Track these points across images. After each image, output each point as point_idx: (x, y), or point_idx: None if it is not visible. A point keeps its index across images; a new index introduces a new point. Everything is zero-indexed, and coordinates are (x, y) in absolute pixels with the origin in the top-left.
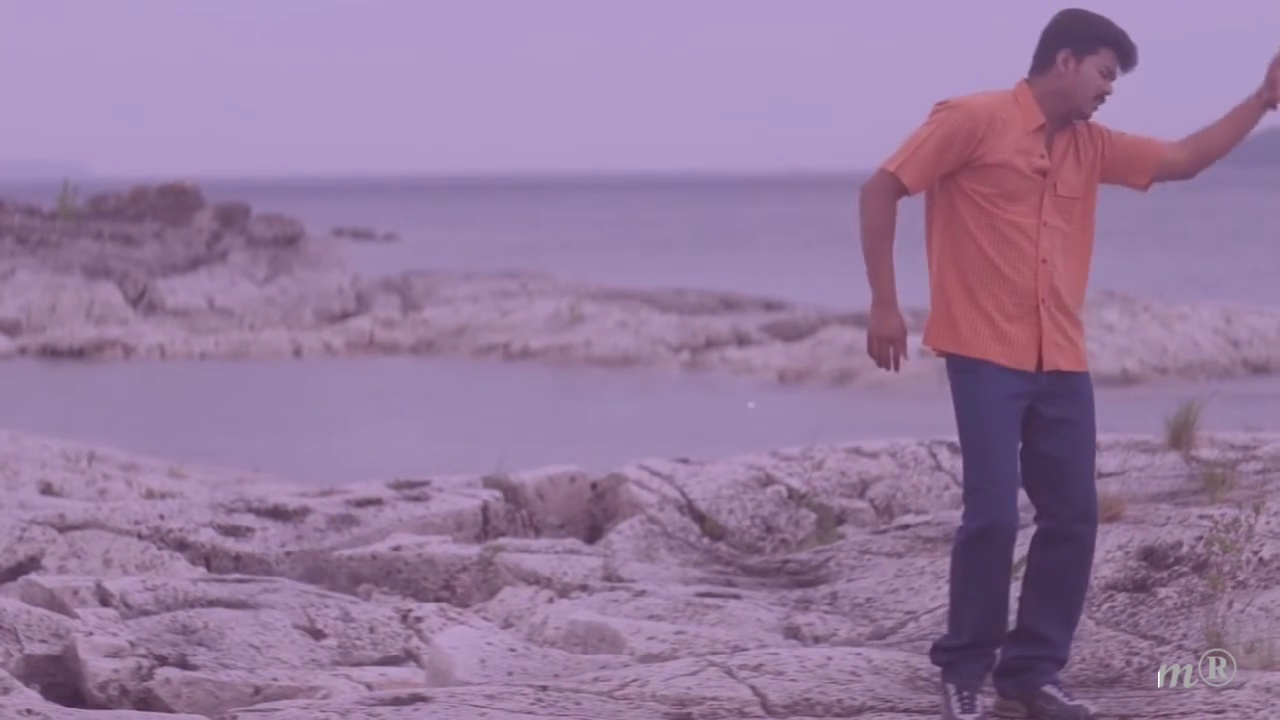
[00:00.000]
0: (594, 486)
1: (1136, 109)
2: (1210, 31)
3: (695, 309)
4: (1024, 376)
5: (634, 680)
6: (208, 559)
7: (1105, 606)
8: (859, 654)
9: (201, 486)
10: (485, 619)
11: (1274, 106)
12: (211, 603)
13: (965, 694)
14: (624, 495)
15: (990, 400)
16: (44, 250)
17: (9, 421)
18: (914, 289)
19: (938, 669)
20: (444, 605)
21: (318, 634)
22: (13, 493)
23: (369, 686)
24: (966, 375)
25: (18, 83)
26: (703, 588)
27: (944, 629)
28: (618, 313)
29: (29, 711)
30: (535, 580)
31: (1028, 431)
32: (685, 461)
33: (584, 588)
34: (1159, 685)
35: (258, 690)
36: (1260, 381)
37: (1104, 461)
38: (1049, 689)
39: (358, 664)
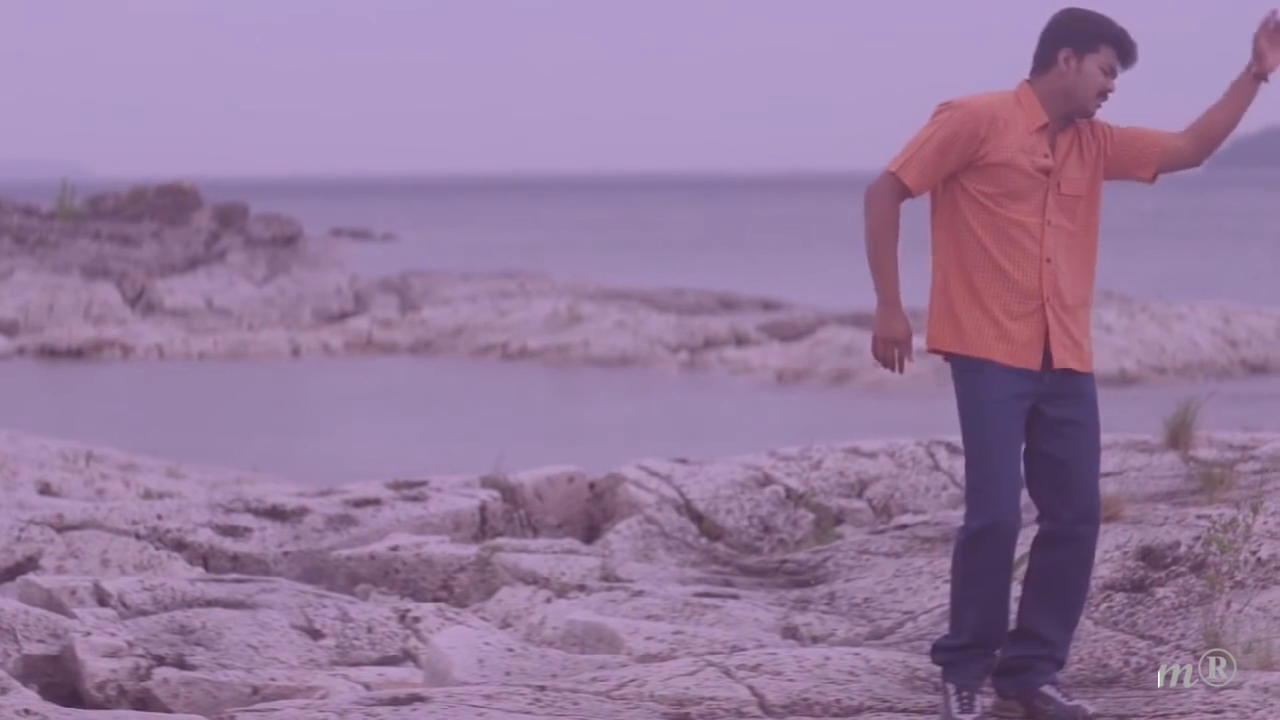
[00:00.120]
0: (592, 486)
1: (1139, 108)
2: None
3: (693, 309)
4: (1028, 376)
5: (632, 680)
6: (206, 559)
7: (1103, 606)
8: (857, 654)
9: (199, 486)
10: (483, 619)
11: (1265, 79)
12: (209, 603)
13: (965, 694)
14: (622, 495)
15: (993, 400)
16: (42, 250)
17: (7, 421)
18: (917, 291)
19: (936, 669)
20: (442, 605)
21: (316, 634)
22: (11, 493)
23: (367, 686)
24: (970, 375)
25: (17, 83)
26: (701, 588)
27: (942, 629)
28: (616, 313)
29: (27, 711)
30: (533, 580)
31: (1031, 432)
32: (683, 461)
33: (582, 588)
34: (1158, 685)
35: (256, 690)
36: (1258, 381)
37: (1102, 461)
38: (1047, 689)
39: (356, 664)
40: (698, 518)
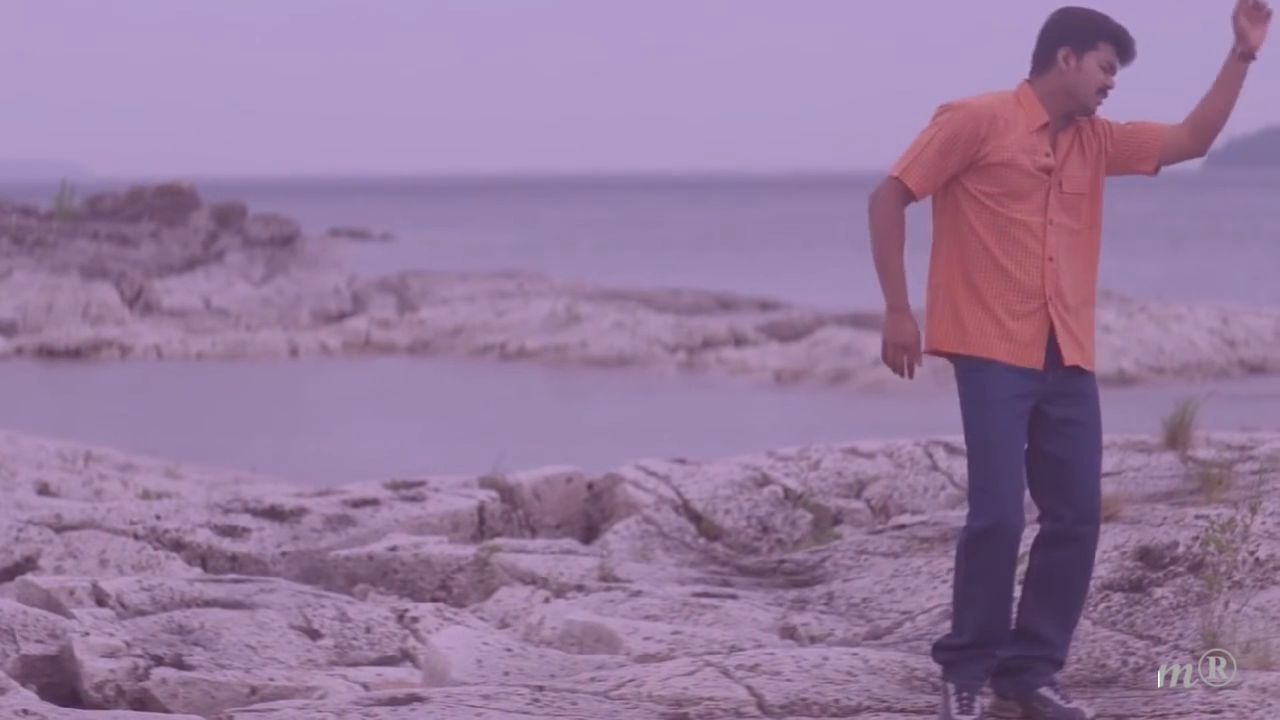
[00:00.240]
0: (590, 487)
1: (1140, 109)
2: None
3: (692, 309)
4: (1030, 376)
5: (630, 680)
6: (204, 559)
7: (1101, 606)
8: (855, 654)
9: (198, 487)
10: (481, 619)
11: (1253, 57)
12: (208, 603)
13: (964, 694)
14: (620, 495)
15: (996, 399)
16: (40, 250)
17: (6, 421)
18: (921, 292)
19: (934, 669)
20: (440, 605)
21: (314, 634)
22: (9, 493)
23: (365, 686)
24: (973, 375)
25: (16, 83)
26: (699, 588)
27: (940, 629)
28: (614, 313)
29: (25, 712)
30: (531, 580)
31: (1033, 433)
32: (681, 462)
33: (580, 588)
34: (1157, 685)
35: (254, 690)
36: (1257, 382)
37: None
38: (1045, 691)
39: (354, 664)
40: (696, 518)
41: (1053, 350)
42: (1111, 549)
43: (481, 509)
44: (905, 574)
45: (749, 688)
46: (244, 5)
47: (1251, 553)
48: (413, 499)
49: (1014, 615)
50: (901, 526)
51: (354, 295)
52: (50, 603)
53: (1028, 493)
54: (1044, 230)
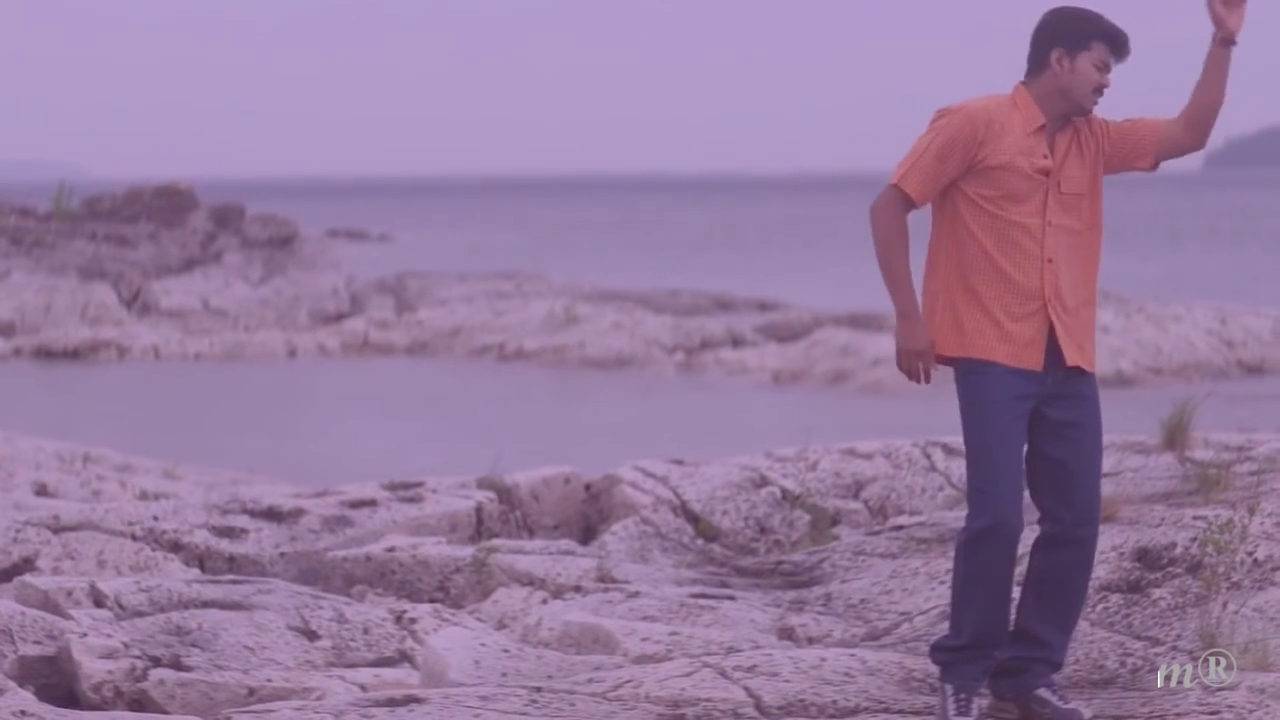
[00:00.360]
0: (588, 488)
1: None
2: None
3: (690, 310)
4: (1030, 378)
5: (628, 681)
6: (202, 560)
7: (1099, 607)
8: (853, 655)
9: (196, 488)
10: (479, 620)
11: (1233, 42)
12: (206, 604)
13: (962, 696)
14: (618, 496)
15: (995, 401)
16: (39, 251)
17: (4, 422)
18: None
19: (932, 670)
20: (438, 606)
21: (312, 635)
22: (7, 494)
23: (363, 688)
24: (972, 377)
25: (14, 84)
26: (697, 589)
27: (938, 630)
28: (612, 314)
29: (23, 713)
30: (529, 581)
31: (1033, 435)
32: (679, 462)
33: (578, 589)
34: (1158, 686)
35: (252, 691)
36: (1255, 382)
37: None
38: (1043, 692)
39: (352, 665)
40: (694, 519)
41: (1052, 352)
42: (1109, 550)
43: (479, 510)
44: (903, 575)
45: (747, 689)
46: (243, 5)
47: (1250, 554)
48: (410, 500)
49: (1012, 616)
50: (899, 527)
51: (352, 296)
52: (48, 604)
53: (1027, 494)
54: (1043, 232)
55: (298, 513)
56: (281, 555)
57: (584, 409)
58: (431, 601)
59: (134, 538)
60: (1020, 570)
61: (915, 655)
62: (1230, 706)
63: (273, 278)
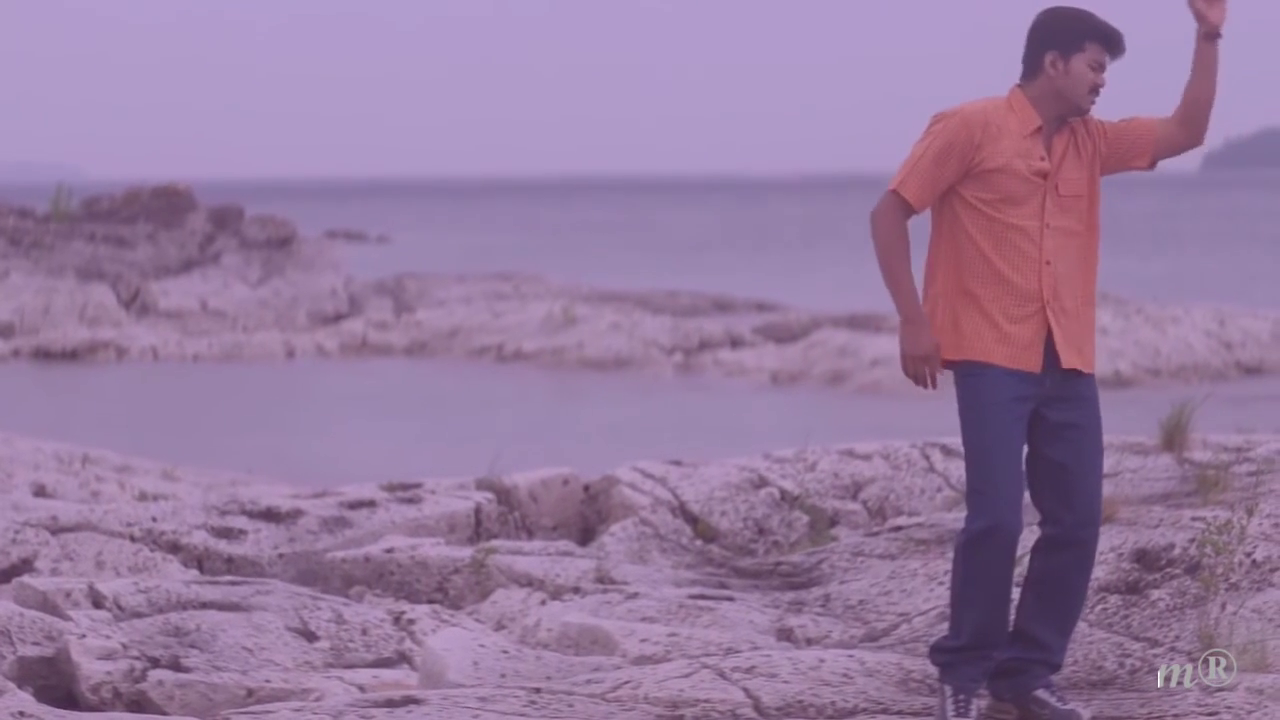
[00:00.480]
0: (587, 489)
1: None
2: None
3: (688, 311)
4: (1029, 379)
5: (627, 682)
6: (200, 561)
7: (1098, 608)
8: (852, 656)
9: (194, 488)
10: (478, 621)
11: (1218, 35)
12: (204, 605)
13: (961, 697)
14: (617, 497)
15: (994, 402)
16: (37, 252)
17: (2, 423)
18: None
19: (931, 671)
20: (437, 607)
21: (310, 636)
22: (6, 495)
23: (361, 689)
24: (971, 379)
25: (13, 85)
26: (695, 590)
27: (937, 631)
28: (611, 315)
29: (22, 714)
30: (528, 582)
31: (1033, 437)
32: (678, 463)
33: (576, 590)
34: (1157, 686)
35: (250, 692)
36: (1253, 383)
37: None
38: (1041, 693)
39: (350, 666)
40: (692, 520)
41: (1051, 354)
42: (1108, 551)
43: (478, 511)
44: (902, 576)
45: (745, 690)
46: (243, 5)
47: (1248, 555)
48: (409, 501)
49: (1011, 617)
50: (898, 528)
51: (350, 297)
52: (47, 605)
53: (1027, 496)
54: (1041, 234)
55: (296, 514)
56: (280, 556)
57: (582, 410)
58: (430, 602)
59: (133, 539)
60: (1019, 571)
61: (914, 656)
62: (1229, 707)
63: (271, 279)
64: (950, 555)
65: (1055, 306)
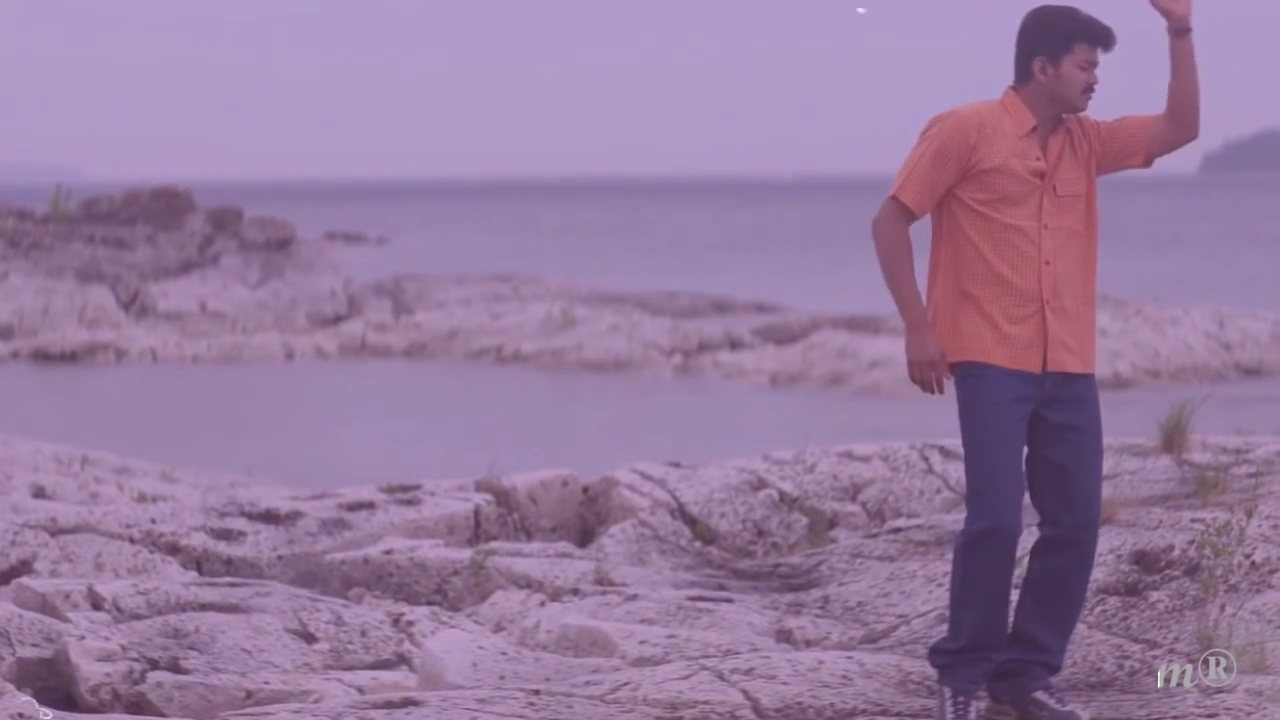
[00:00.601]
0: (586, 490)
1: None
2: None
3: (687, 312)
4: (1028, 380)
5: (626, 684)
6: (199, 563)
7: (1097, 610)
8: (851, 658)
9: (194, 490)
10: (477, 623)
11: (1187, 28)
12: (203, 606)
13: (960, 698)
14: (616, 499)
15: (994, 403)
16: (36, 254)
17: (2, 425)
18: None
19: (930, 672)
20: (436, 609)
21: (309, 638)
22: (5, 496)
23: (361, 690)
24: (971, 380)
25: (12, 85)
26: (694, 591)
27: (936, 632)
28: (610, 316)
29: (21, 716)
30: (527, 584)
31: (1033, 438)
32: (677, 465)
33: (576, 591)
34: (1157, 688)
35: (249, 694)
36: (1252, 385)
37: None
38: (1040, 695)
39: (349, 668)
40: (691, 521)
41: (1046, 353)
42: (1107, 552)
43: (477, 512)
44: (901, 577)
45: (744, 691)
46: (243, 5)
47: (1247, 556)
48: (408, 502)
49: (1011, 619)
50: (897, 530)
51: (350, 298)
52: (46, 606)
53: (1026, 497)
54: (1039, 234)
55: (295, 515)
56: (279, 558)
57: (582, 411)
58: (429, 604)
59: (132, 540)
60: (1019, 573)
61: (913, 658)
62: (1228, 709)
63: (270, 280)
64: (949, 557)
65: (1055, 306)
